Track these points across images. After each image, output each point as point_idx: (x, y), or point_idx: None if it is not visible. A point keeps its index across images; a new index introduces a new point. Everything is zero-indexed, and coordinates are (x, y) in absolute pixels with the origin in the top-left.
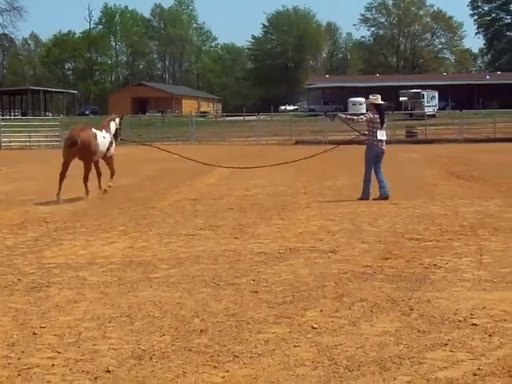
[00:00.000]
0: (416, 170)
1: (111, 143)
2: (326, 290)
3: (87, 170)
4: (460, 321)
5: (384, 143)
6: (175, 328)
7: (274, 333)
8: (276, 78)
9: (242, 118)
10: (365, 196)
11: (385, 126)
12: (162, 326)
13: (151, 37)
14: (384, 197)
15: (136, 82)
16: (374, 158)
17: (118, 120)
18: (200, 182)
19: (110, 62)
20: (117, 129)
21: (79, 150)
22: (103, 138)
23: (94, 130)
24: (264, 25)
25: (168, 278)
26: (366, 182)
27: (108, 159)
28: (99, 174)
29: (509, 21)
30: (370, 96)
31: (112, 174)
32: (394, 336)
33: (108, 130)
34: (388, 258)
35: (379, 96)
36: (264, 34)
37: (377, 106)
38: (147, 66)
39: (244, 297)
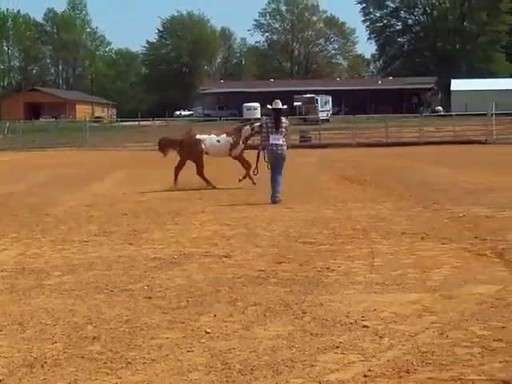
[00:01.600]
0: (310, 174)
1: (232, 145)
2: (220, 295)
3: (198, 168)
4: (351, 323)
5: (280, 147)
6: (68, 335)
7: (167, 338)
8: (171, 83)
9: (136, 123)
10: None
11: (282, 129)
12: (55, 333)
13: (44, 41)
14: (273, 202)
15: (29, 87)
16: (273, 161)
17: (256, 124)
18: (94, 187)
19: (2, 66)
20: (251, 133)
21: (181, 150)
22: (216, 142)
23: (199, 136)
24: (159, 30)
25: (61, 284)
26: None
27: (237, 158)
28: (246, 167)
29: (400, 27)
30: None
31: (247, 169)
32: (286, 339)
33: (231, 134)
34: (282, 262)
35: (278, 101)
36: (158, 39)
37: (275, 110)
38: (40, 71)
39: (138, 303)
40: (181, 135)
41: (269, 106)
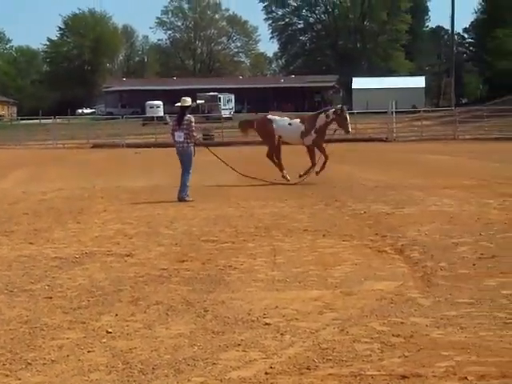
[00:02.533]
0: (212, 172)
1: (303, 132)
2: (122, 294)
3: (268, 150)
4: (253, 321)
5: (181, 144)
6: None
7: (68, 338)
8: (73, 80)
9: (38, 121)
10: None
11: (183, 127)
12: None
13: None
14: (182, 199)
15: None
16: (180, 159)
17: (330, 111)
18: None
19: None
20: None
21: (256, 130)
22: (287, 125)
23: (270, 116)
24: (60, 27)
25: None
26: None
27: (309, 148)
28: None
29: (301, 26)
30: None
31: (312, 164)
32: (188, 338)
33: (304, 121)
34: (184, 261)
35: (186, 99)
36: (60, 36)
37: (180, 108)
38: None
39: (38, 303)
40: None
41: (177, 104)
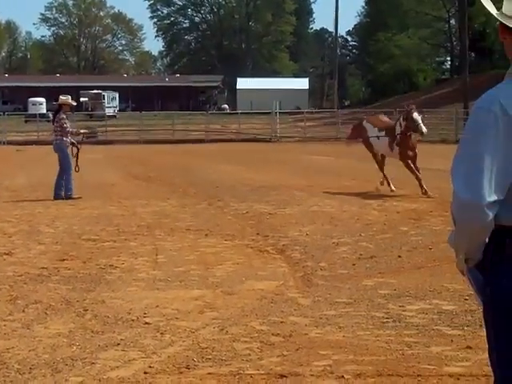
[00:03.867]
0: (95, 170)
1: (389, 142)
2: (0, 293)
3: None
4: (133, 320)
5: (54, 141)
6: None
7: None
8: None
9: None
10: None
11: (56, 124)
12: None
13: None
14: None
15: None
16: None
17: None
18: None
19: None
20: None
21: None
22: (377, 132)
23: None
24: None
25: None
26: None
27: (402, 160)
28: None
29: (187, 25)
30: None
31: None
32: (67, 337)
33: (383, 126)
34: (64, 260)
35: (64, 97)
36: None
37: (59, 106)
38: None
39: None
40: None
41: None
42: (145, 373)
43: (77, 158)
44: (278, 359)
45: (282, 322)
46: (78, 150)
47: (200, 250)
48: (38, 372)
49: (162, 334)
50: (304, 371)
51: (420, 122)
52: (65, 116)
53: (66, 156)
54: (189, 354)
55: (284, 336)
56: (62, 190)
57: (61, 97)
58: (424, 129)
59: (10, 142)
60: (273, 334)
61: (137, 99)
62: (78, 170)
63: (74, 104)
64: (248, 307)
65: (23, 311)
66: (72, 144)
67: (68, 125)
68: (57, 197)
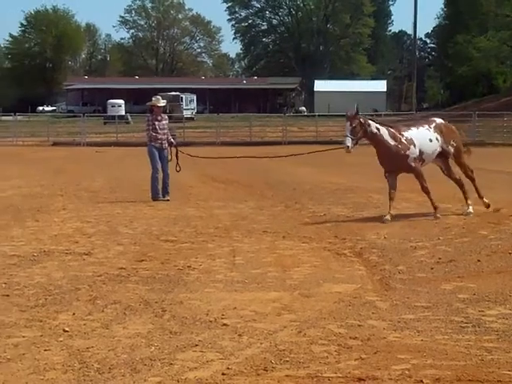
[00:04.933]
0: (173, 172)
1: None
2: (80, 293)
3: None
4: (211, 321)
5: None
6: None
7: (24, 337)
8: (34, 78)
9: None
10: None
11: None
12: None
13: None
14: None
15: None
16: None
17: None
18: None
19: None
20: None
21: None
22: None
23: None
24: (22, 24)
25: None
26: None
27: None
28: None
29: (265, 27)
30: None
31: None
32: (145, 338)
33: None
34: (143, 260)
35: (158, 98)
36: (22, 33)
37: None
38: None
39: None
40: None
41: (148, 103)
42: (222, 374)
43: (177, 158)
44: (356, 362)
45: (359, 326)
46: (177, 150)
47: (277, 252)
48: (117, 372)
49: (239, 335)
50: (382, 375)
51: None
52: (150, 118)
53: (150, 158)
54: (266, 355)
55: (362, 339)
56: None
57: (153, 98)
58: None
59: (89, 144)
60: (350, 337)
61: (214, 101)
62: (178, 170)
63: (160, 105)
64: (325, 310)
65: (102, 311)
66: (170, 145)
67: (150, 128)
68: (154, 197)
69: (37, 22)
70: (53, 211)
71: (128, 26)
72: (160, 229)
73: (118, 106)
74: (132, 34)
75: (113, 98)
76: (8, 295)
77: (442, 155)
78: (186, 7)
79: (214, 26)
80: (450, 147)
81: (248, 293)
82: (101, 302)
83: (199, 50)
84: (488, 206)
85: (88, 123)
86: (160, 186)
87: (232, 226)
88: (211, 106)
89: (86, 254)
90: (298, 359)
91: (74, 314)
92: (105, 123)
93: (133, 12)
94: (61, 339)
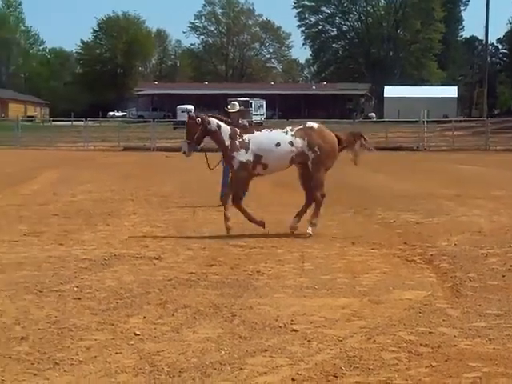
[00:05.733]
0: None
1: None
2: (150, 297)
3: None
4: (280, 327)
5: None
6: None
7: (96, 340)
8: (105, 83)
9: (69, 123)
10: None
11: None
12: None
13: None
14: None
15: None
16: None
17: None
18: (25, 187)
19: None
20: None
21: None
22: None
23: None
24: (94, 30)
25: None
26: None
27: None
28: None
29: (334, 33)
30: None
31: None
32: (215, 342)
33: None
34: (212, 265)
35: (234, 103)
36: (94, 38)
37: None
38: None
39: (67, 304)
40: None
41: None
42: (292, 380)
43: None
44: (427, 370)
45: (430, 333)
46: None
47: (346, 258)
48: (187, 375)
49: (309, 341)
50: (453, 383)
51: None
52: (237, 124)
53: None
54: (336, 362)
55: (432, 347)
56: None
57: (233, 103)
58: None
59: (158, 149)
60: (421, 345)
61: (283, 107)
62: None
63: (233, 111)
64: (396, 317)
65: (173, 315)
66: None
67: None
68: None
69: (108, 28)
70: (123, 216)
71: (198, 32)
72: (229, 234)
73: (188, 111)
74: (202, 39)
75: (182, 104)
76: (80, 298)
77: (304, 161)
78: (256, 13)
79: (283, 32)
80: (310, 152)
81: (317, 298)
82: (171, 306)
83: (269, 56)
84: (293, 231)
85: (158, 128)
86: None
87: (301, 231)
88: (280, 112)
89: (156, 259)
90: (367, 366)
91: (144, 317)
92: (174, 128)
93: (203, 18)
94: (132, 342)
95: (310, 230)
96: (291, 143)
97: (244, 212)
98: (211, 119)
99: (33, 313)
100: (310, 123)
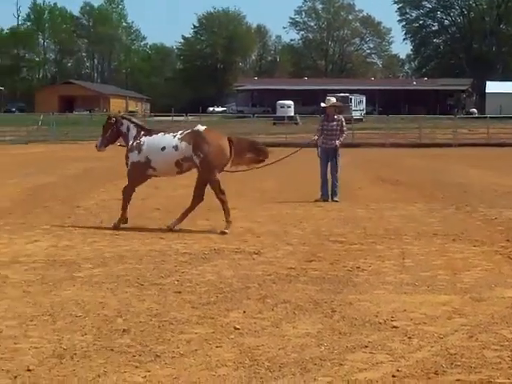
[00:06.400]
0: (342, 173)
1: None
2: (250, 292)
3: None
4: (381, 323)
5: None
6: (97, 327)
7: (196, 333)
8: (205, 79)
9: (170, 118)
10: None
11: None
12: (85, 325)
13: (80, 35)
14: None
15: (64, 80)
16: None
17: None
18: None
19: (37, 59)
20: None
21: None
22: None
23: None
24: (194, 25)
25: (91, 277)
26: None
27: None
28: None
29: (436, 28)
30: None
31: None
32: (315, 337)
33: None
34: (312, 261)
35: (329, 99)
36: (194, 34)
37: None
38: (75, 64)
39: (167, 297)
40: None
41: (322, 104)
42: (393, 376)
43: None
44: None
45: None
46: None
47: (447, 255)
48: (287, 370)
49: (409, 338)
50: None
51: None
52: (322, 120)
53: (319, 159)
54: (437, 359)
55: None
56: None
57: (328, 98)
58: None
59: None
60: None
61: (383, 103)
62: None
63: (325, 105)
64: (498, 315)
65: (272, 310)
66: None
67: (319, 129)
68: (325, 197)
69: (208, 24)
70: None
71: (298, 28)
72: (329, 229)
73: (288, 106)
74: (302, 35)
75: (282, 99)
76: (180, 292)
77: (193, 165)
78: (357, 8)
79: (384, 27)
80: (195, 158)
81: (418, 295)
82: (271, 301)
83: (369, 51)
84: (224, 232)
85: (257, 124)
86: (329, 188)
87: (401, 227)
88: (380, 108)
89: (256, 254)
90: (469, 364)
91: (244, 312)
92: (274, 124)
93: (303, 13)
94: (232, 336)
95: (226, 229)
96: (175, 147)
97: (125, 206)
98: (124, 121)
99: (134, 305)
100: (198, 127)
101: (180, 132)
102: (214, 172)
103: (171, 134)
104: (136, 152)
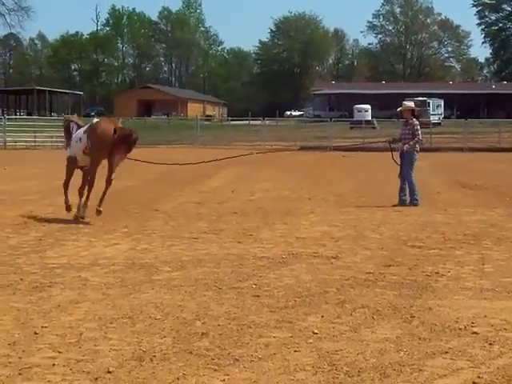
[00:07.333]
0: (421, 177)
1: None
2: (328, 296)
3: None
4: (461, 329)
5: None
6: (176, 330)
7: (274, 337)
8: (282, 83)
9: (247, 122)
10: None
11: (407, 131)
12: (164, 328)
13: (158, 39)
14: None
15: (142, 84)
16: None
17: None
18: (204, 185)
19: (116, 63)
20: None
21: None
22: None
23: None
24: (271, 30)
25: (170, 280)
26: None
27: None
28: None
29: None
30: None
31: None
32: (394, 343)
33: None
34: (390, 265)
35: (405, 103)
36: (271, 38)
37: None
38: (154, 69)
39: (246, 301)
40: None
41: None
42: (473, 383)
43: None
44: None
45: None
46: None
47: None
48: (366, 375)
49: (490, 344)
50: None
51: None
52: (407, 122)
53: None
54: None
55: None
56: (405, 195)
57: (404, 102)
58: None
59: (335, 148)
60: None
61: (462, 107)
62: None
63: (400, 109)
64: None
65: (351, 315)
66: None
67: (402, 132)
68: (400, 202)
69: (285, 28)
70: (301, 214)
71: (376, 31)
72: (407, 234)
73: (365, 111)
74: (380, 38)
75: (359, 103)
76: (258, 296)
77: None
78: (435, 12)
79: (462, 31)
80: (89, 145)
81: (498, 301)
82: (349, 306)
83: (447, 55)
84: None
85: (335, 128)
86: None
87: (481, 233)
88: (458, 112)
89: (334, 258)
90: None
91: (322, 316)
92: (351, 128)
93: (381, 17)
94: (310, 341)
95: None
96: (80, 139)
97: (65, 195)
98: (71, 123)
99: (212, 309)
100: (95, 119)
101: (88, 125)
102: (96, 156)
103: (84, 128)
104: (69, 147)
